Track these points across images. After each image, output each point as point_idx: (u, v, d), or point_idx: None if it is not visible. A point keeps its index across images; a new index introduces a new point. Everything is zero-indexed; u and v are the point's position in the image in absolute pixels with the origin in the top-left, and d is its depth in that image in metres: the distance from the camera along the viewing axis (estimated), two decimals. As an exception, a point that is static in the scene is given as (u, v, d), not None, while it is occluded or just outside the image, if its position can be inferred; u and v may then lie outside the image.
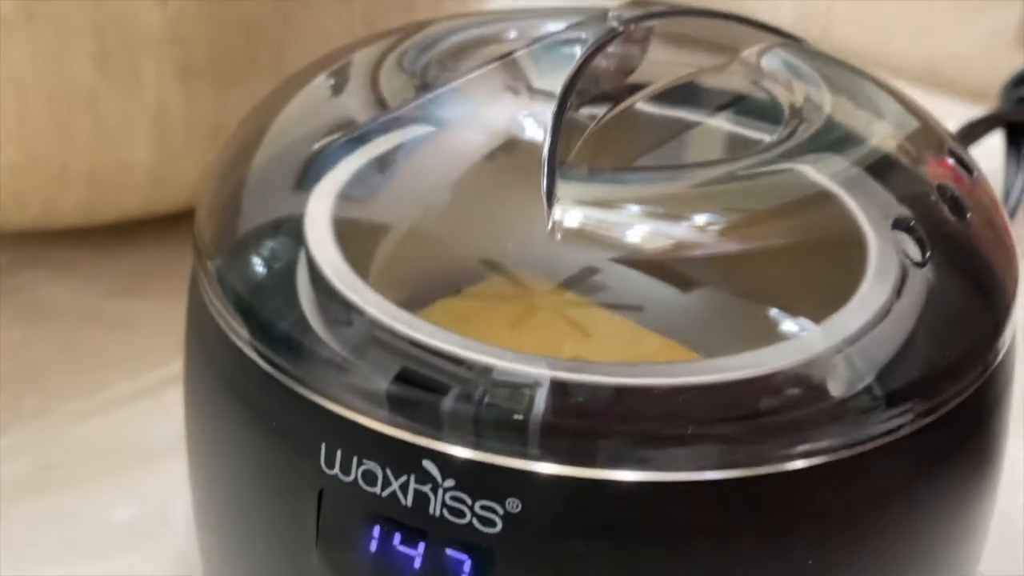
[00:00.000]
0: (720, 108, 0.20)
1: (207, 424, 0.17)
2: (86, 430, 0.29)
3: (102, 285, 0.37)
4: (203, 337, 0.16)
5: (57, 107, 0.28)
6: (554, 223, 0.14)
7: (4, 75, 0.27)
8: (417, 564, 0.14)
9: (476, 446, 0.13)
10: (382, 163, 0.18)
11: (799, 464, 0.13)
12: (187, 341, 0.18)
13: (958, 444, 0.15)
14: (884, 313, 0.15)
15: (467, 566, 0.14)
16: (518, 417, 0.13)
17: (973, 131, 0.35)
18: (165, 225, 0.40)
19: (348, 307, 0.15)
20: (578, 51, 0.18)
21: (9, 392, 0.31)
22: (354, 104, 0.20)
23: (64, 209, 0.33)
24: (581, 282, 0.15)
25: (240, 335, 0.15)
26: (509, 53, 0.19)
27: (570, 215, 0.15)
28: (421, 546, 0.14)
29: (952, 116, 0.43)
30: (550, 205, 0.15)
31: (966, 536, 0.17)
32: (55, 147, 0.29)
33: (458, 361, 0.14)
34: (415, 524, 0.14)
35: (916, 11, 0.49)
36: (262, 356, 0.15)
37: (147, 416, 0.30)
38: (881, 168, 0.16)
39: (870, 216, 0.15)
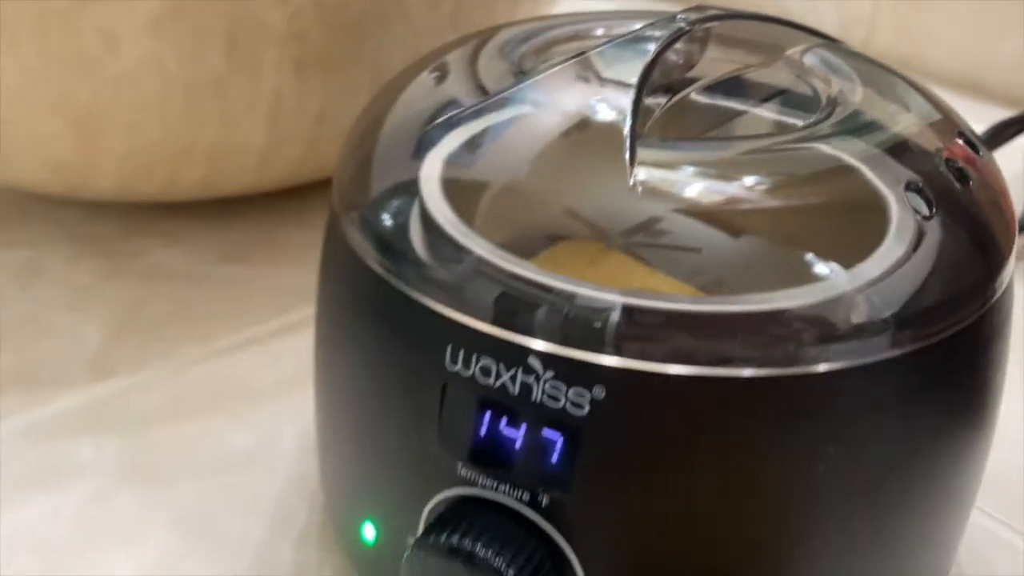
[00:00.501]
0: (765, 99, 0.23)
1: (344, 342, 0.21)
2: (204, 372, 0.34)
3: (211, 253, 0.41)
4: (344, 272, 0.21)
5: (191, 92, 0.33)
6: (634, 180, 0.18)
7: (151, 64, 0.31)
8: (518, 445, 0.18)
9: (569, 346, 0.17)
10: (482, 137, 0.22)
11: (822, 367, 0.17)
12: (324, 278, 0.22)
13: (957, 365, 0.18)
14: (898, 261, 0.18)
15: (559, 444, 0.18)
16: (597, 326, 0.17)
17: (1003, 131, 0.38)
18: (266, 202, 0.45)
19: (461, 248, 0.19)
20: (650, 47, 0.22)
21: (136, 339, 0.36)
22: (457, 90, 0.24)
23: (184, 183, 0.37)
24: (649, 228, 0.18)
25: (381, 266, 0.19)
26: (592, 47, 0.23)
27: (645, 174, 0.18)
28: (523, 427, 0.18)
29: (990, 122, 0.46)
30: (632, 164, 0.18)
31: (963, 458, 0.20)
32: (186, 127, 0.34)
33: (548, 289, 0.17)
34: (520, 409, 0.17)
35: (958, 19, 0.52)
36: (400, 280, 0.19)
37: (256, 362, 0.34)
38: (899, 147, 0.20)
39: (887, 182, 0.19)
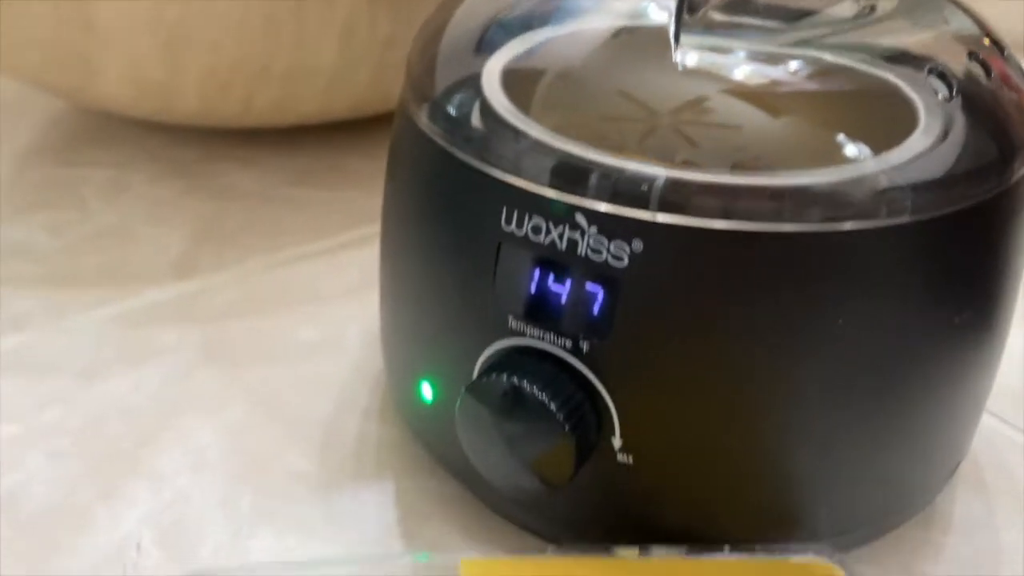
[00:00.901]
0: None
1: (410, 214, 0.23)
2: (275, 277, 0.37)
3: (281, 176, 0.44)
4: (413, 151, 0.23)
5: (270, 14, 0.35)
6: (679, 61, 0.20)
7: (234, -16, 0.34)
8: (564, 299, 0.20)
9: (613, 203, 0.19)
10: (538, 35, 0.24)
11: (846, 226, 0.18)
12: (394, 158, 0.24)
13: (974, 238, 0.20)
14: (923, 146, 0.20)
15: (600, 295, 0.20)
16: (641, 189, 0.19)
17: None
18: (333, 132, 0.47)
19: (519, 131, 0.21)
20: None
21: (213, 247, 0.38)
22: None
23: (259, 105, 0.40)
24: (694, 108, 0.20)
25: (446, 143, 0.21)
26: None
27: (690, 56, 0.20)
28: (568, 282, 0.20)
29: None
30: (676, 45, 0.20)
31: (979, 337, 0.22)
32: (263, 48, 0.36)
33: (598, 161, 0.19)
34: (567, 263, 0.19)
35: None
36: (463, 153, 0.21)
37: (323, 271, 0.37)
38: (928, 43, 0.22)
39: (916, 76, 0.21)
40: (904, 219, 0.19)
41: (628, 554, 0.21)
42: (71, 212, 0.41)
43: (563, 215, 0.19)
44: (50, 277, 0.36)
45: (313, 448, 0.28)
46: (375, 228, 0.42)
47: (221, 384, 0.31)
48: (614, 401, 0.20)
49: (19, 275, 0.36)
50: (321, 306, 0.35)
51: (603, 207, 0.19)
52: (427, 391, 0.24)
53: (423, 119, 0.22)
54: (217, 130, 0.47)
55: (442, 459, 0.25)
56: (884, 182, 0.19)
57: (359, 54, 0.38)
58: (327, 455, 0.28)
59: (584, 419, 0.20)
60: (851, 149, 0.21)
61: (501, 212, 0.20)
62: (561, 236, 0.19)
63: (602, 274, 0.19)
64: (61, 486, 0.26)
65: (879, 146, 0.20)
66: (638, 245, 0.19)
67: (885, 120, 0.20)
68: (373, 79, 0.40)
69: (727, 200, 0.19)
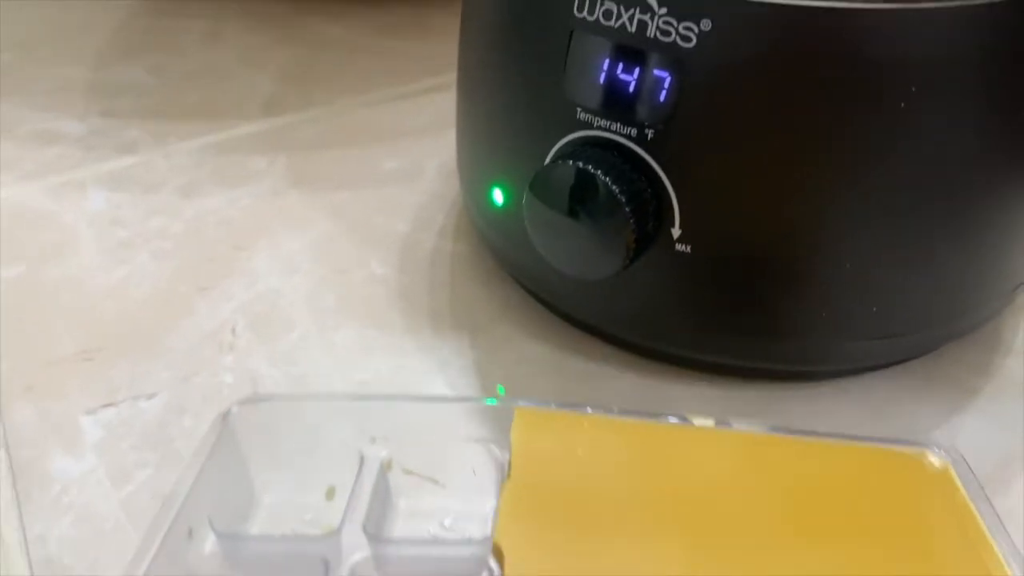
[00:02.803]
0: None
1: (484, 11, 0.24)
2: (359, 116, 0.38)
3: (367, 28, 0.45)
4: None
5: None
6: None
7: None
8: (632, 87, 0.21)
9: (682, -14, 0.19)
10: None
11: (928, 4, 0.18)
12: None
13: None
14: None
15: (667, 81, 0.20)
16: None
17: None
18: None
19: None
20: None
21: (301, 88, 0.40)
22: None
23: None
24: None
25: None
26: None
27: None
28: (637, 69, 0.20)
29: None
30: None
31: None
32: None
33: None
34: (637, 47, 0.20)
35: None
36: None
37: (404, 111, 0.38)
38: None
39: None
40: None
41: (704, 423, 0.20)
42: (171, 56, 0.43)
43: (633, -1, 0.20)
44: (153, 110, 0.38)
45: (392, 258, 0.30)
46: (453, 76, 0.43)
47: (308, 203, 0.33)
48: (675, 189, 0.21)
49: (127, 108, 0.38)
50: (401, 141, 0.36)
51: (672, -12, 0.19)
52: (498, 196, 0.25)
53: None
54: (308, -17, 0.48)
55: (510, 265, 0.27)
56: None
57: None
58: (404, 264, 0.30)
59: (645, 205, 0.21)
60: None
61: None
62: (632, 19, 0.20)
63: (670, 57, 0.20)
64: (165, 280, 0.29)
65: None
66: (706, 24, 0.19)
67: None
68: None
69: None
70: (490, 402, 0.21)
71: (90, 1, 0.49)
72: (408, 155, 0.35)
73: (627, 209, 0.21)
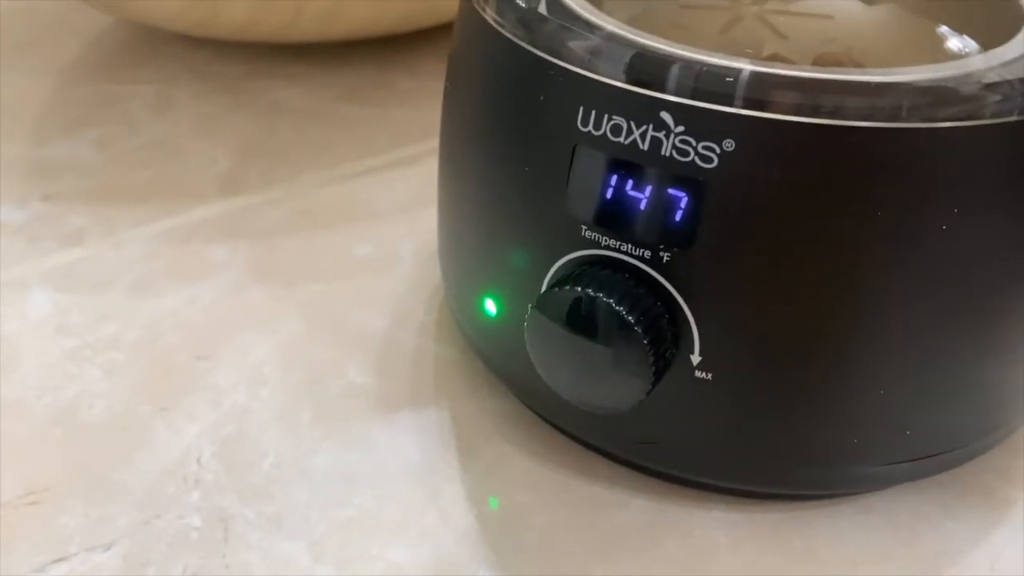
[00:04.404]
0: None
1: (476, 114, 0.22)
2: (327, 193, 0.36)
3: (327, 92, 0.43)
4: (485, 47, 0.21)
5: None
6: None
7: None
8: (644, 204, 0.19)
9: (701, 100, 0.17)
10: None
11: (940, 124, 0.17)
12: (460, 55, 0.23)
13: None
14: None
15: (684, 201, 0.18)
16: (729, 81, 0.17)
17: None
18: (379, 49, 0.46)
19: (593, 25, 0.19)
20: None
21: (265, 163, 0.38)
22: None
23: (306, 18, 0.39)
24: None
25: (516, 36, 0.20)
26: None
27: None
28: (649, 187, 0.19)
29: None
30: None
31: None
32: (312, -47, 0.35)
33: (681, 57, 0.18)
34: (649, 165, 0.18)
35: None
36: (535, 46, 0.19)
37: (373, 188, 0.36)
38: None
39: None
40: (1011, 118, 0.17)
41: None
42: (117, 128, 0.40)
43: (646, 113, 0.18)
44: (100, 192, 0.36)
45: (370, 363, 0.27)
46: (425, 146, 0.41)
47: (275, 299, 0.30)
48: (695, 315, 0.19)
49: (71, 191, 0.36)
50: (373, 223, 0.34)
51: (692, 103, 0.18)
52: (491, 306, 0.23)
53: (490, 11, 0.21)
54: (262, 45, 0.45)
55: (504, 376, 0.25)
56: (993, 78, 0.17)
57: (411, -40, 0.36)
58: (384, 370, 0.27)
59: (662, 333, 0.19)
60: (957, 46, 0.19)
61: (577, 111, 0.19)
62: (644, 136, 0.18)
63: (688, 177, 0.18)
64: (119, 399, 0.26)
65: (983, 42, 0.18)
66: (729, 144, 0.17)
67: (988, 13, 0.18)
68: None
69: (833, 96, 0.17)
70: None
71: (21, 67, 0.45)
72: (381, 238, 0.33)
73: (645, 341, 0.19)
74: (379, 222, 0.34)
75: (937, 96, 0.17)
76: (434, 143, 0.26)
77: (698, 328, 0.19)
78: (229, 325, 0.29)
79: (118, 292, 0.30)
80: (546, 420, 0.25)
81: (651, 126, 0.18)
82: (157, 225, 0.34)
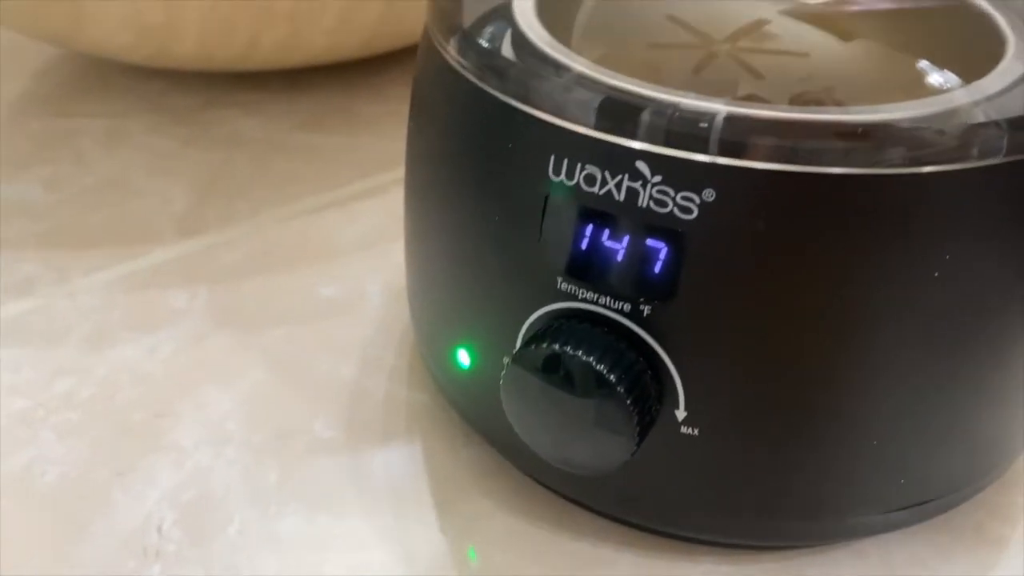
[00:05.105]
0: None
1: (441, 161, 0.21)
2: (289, 231, 0.34)
3: (286, 122, 0.42)
4: (443, 89, 0.20)
5: (272, -56, 0.32)
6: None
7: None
8: (621, 255, 0.18)
9: (680, 148, 0.16)
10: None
11: (925, 169, 0.16)
12: (419, 98, 0.22)
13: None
14: (1017, 81, 0.18)
15: (663, 252, 0.17)
16: (704, 127, 0.16)
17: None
18: (340, 73, 0.45)
19: (560, 65, 0.18)
20: None
21: (223, 199, 0.36)
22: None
23: (263, 47, 0.37)
24: (753, 32, 0.18)
25: (481, 80, 0.19)
26: None
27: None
28: (626, 237, 0.18)
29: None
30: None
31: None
32: (266, -18, 0.34)
33: (654, 97, 0.17)
34: (625, 216, 0.17)
35: None
36: (502, 92, 0.18)
37: (337, 223, 0.35)
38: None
39: (1007, 14, 0.18)
40: (997, 160, 0.16)
41: None
42: (68, 166, 0.38)
43: (621, 162, 0.17)
44: (51, 236, 0.34)
45: (339, 415, 0.26)
46: (391, 175, 0.39)
47: (237, 347, 0.29)
48: (679, 370, 0.18)
49: (19, 235, 0.34)
50: (338, 260, 0.33)
51: (668, 152, 0.17)
52: (464, 357, 0.22)
53: (452, 53, 0.20)
54: (219, 74, 0.44)
55: (479, 428, 0.24)
56: (978, 118, 0.17)
57: (369, -14, 0.35)
58: (354, 422, 0.26)
59: (646, 390, 0.18)
60: (938, 81, 0.18)
61: (548, 160, 0.18)
62: (619, 186, 0.17)
63: (666, 228, 0.17)
64: (74, 464, 0.25)
65: (965, 71, 0.17)
66: (710, 195, 0.17)
67: (972, 55, 0.18)
68: (384, 13, 0.37)
69: (815, 142, 0.16)
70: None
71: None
72: (346, 277, 0.32)
73: (628, 401, 0.18)
74: (344, 259, 0.33)
75: (922, 140, 0.16)
76: (401, 173, 0.25)
77: (683, 383, 0.18)
78: (190, 377, 0.28)
79: (72, 345, 0.29)
80: (526, 472, 0.24)
81: (627, 176, 0.17)
82: (112, 271, 0.32)
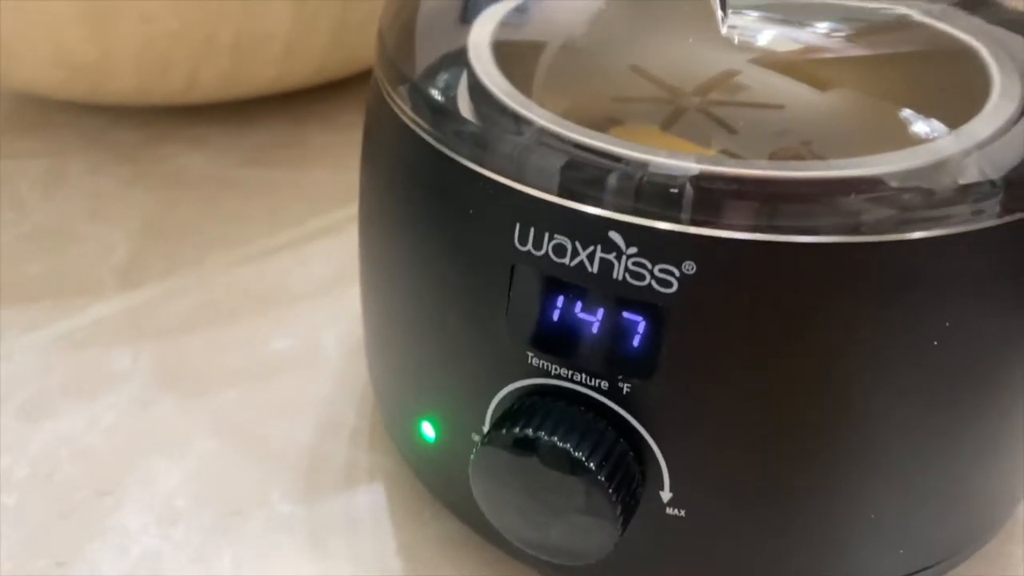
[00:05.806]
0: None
1: (396, 227, 0.19)
2: (237, 277, 0.32)
3: (234, 156, 0.40)
4: (394, 148, 0.19)
5: (209, -24, 0.30)
6: (727, 27, 0.16)
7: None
8: (596, 329, 0.16)
9: (655, 219, 0.15)
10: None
11: (928, 234, 0.15)
12: (370, 156, 0.20)
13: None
14: (1009, 119, 0.17)
15: (642, 326, 0.16)
16: (680, 194, 0.15)
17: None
18: (289, 103, 0.43)
19: (521, 119, 0.17)
20: None
21: (168, 244, 0.34)
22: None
23: (205, 80, 0.35)
24: (726, 84, 0.16)
25: (437, 140, 0.17)
26: None
27: (735, 22, 0.16)
28: (601, 310, 0.16)
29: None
30: (724, 12, 0.16)
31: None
32: (206, 16, 0.32)
33: (623, 157, 0.16)
34: (598, 290, 0.16)
35: None
36: (459, 154, 0.17)
37: (288, 267, 0.33)
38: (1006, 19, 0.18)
39: (983, 37, 0.17)
40: (992, 222, 0.15)
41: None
42: (4, 211, 0.36)
43: (593, 231, 0.16)
44: (-19, 293, 0.32)
45: (297, 487, 0.24)
46: (345, 212, 0.38)
47: (185, 413, 0.27)
48: (662, 450, 0.17)
49: (-54, 292, 0.32)
50: (291, 309, 0.31)
51: (642, 222, 0.15)
52: (428, 430, 0.20)
53: (402, 106, 0.18)
54: (162, 108, 0.42)
55: (446, 501, 0.22)
56: (971, 177, 0.15)
57: (314, 13, 0.33)
58: (312, 494, 0.24)
59: (629, 473, 0.17)
60: (924, 130, 0.17)
61: (513, 228, 0.16)
62: (592, 257, 0.16)
63: (644, 301, 0.16)
64: (8, 556, 0.23)
65: (960, 129, 0.16)
66: (690, 267, 0.15)
67: (958, 98, 0.16)
68: (333, 41, 0.35)
69: (800, 207, 0.15)
70: None
71: None
72: (300, 328, 0.30)
73: (611, 489, 0.16)
74: (297, 307, 0.31)
75: (912, 201, 0.15)
76: (356, 209, 0.23)
77: (667, 463, 0.17)
78: (134, 449, 0.26)
79: (7, 417, 0.27)
80: (499, 547, 0.22)
81: (599, 247, 0.16)
82: (50, 329, 0.30)
